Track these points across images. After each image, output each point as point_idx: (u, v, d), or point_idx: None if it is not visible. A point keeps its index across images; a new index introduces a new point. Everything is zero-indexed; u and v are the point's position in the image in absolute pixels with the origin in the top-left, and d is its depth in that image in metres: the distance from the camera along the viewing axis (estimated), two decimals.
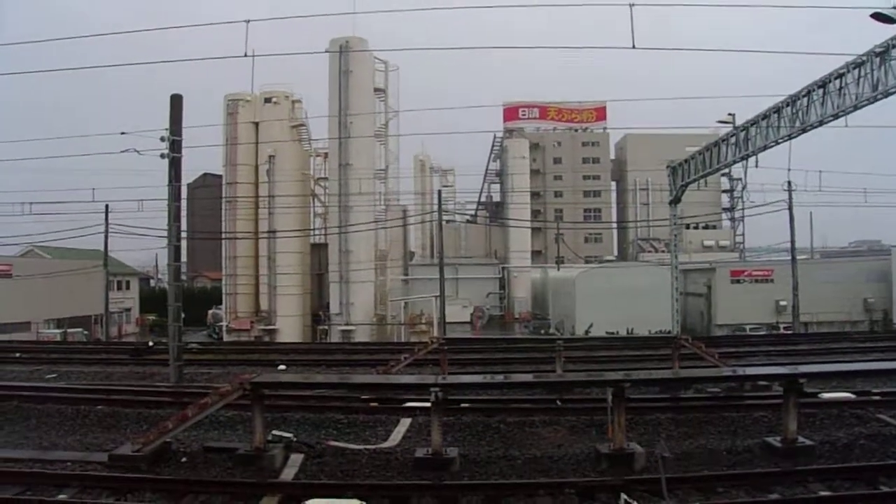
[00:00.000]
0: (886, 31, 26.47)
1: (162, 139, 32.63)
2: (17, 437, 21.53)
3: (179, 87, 33.19)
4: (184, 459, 18.95)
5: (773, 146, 34.76)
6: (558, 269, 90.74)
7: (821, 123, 30.40)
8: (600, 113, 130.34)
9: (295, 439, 20.02)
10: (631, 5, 28.35)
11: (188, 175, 76.29)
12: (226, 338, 74.18)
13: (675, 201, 45.20)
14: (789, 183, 60.33)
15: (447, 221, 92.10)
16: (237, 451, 18.85)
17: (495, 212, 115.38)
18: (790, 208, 61.08)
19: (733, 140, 38.18)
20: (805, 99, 30.88)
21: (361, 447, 20.17)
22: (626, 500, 15.37)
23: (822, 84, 29.67)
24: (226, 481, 17.11)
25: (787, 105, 32.29)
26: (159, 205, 41.20)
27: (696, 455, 18.77)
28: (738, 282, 72.65)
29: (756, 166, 37.67)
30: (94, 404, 25.54)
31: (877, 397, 24.93)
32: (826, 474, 16.75)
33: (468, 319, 79.06)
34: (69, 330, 74.22)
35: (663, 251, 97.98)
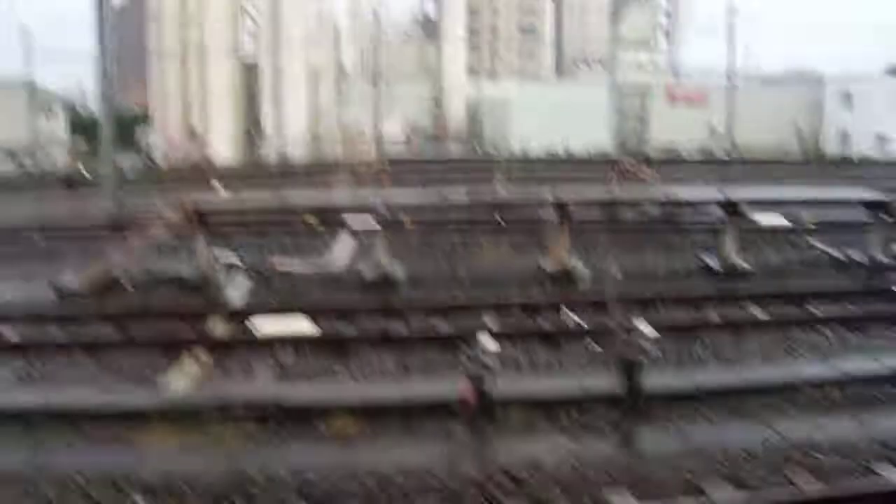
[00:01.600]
0: None
1: None
2: None
3: None
4: (130, 289, 18.92)
5: None
6: (494, 86, 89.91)
7: None
8: None
9: (240, 263, 20.02)
10: None
11: None
12: (160, 163, 72.81)
13: (615, 18, 44.79)
14: (731, 5, 59.86)
15: (382, 39, 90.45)
16: (182, 277, 18.90)
17: (430, 29, 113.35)
18: (731, 30, 60.70)
19: None
20: None
21: (308, 269, 20.24)
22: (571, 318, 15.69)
23: None
24: (174, 309, 17.17)
25: None
26: (82, 27, 39.34)
27: (638, 275, 19.10)
28: (673, 104, 72.72)
29: None
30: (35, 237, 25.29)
31: (811, 226, 25.46)
32: (762, 298, 17.15)
33: (404, 138, 78.60)
34: None
35: (599, 72, 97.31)
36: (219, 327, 15.85)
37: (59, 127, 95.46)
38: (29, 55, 67.30)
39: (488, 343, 10.19)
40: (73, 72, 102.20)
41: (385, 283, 18.23)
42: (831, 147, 69.59)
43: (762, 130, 66.31)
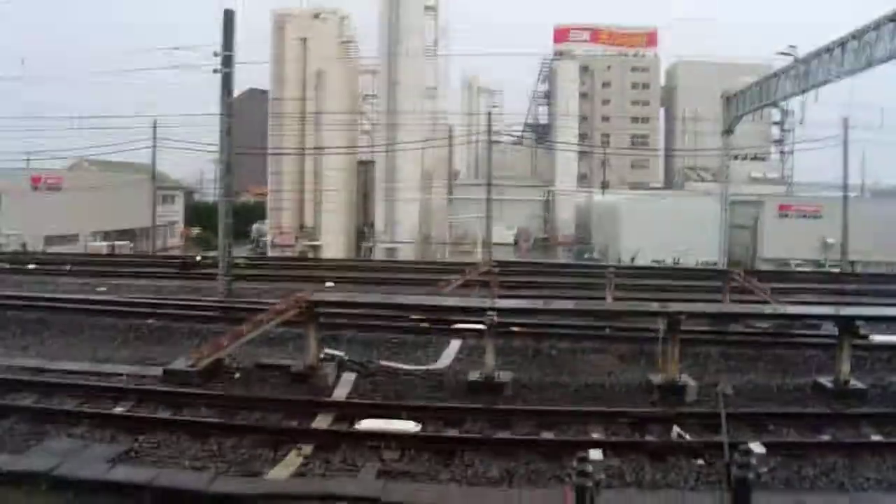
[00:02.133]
0: None
1: (215, 54, 32.66)
2: (73, 350, 22.03)
3: (229, 2, 33.20)
4: (237, 375, 19.38)
5: (834, 80, 34.25)
6: (603, 194, 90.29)
7: (889, 59, 29.79)
8: (651, 38, 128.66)
9: (347, 358, 20.30)
10: None
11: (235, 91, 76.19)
12: (269, 253, 74.71)
13: (728, 132, 44.88)
14: (846, 119, 59.45)
15: (494, 142, 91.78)
16: (290, 368, 19.22)
17: (542, 134, 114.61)
18: (845, 143, 60.25)
19: (792, 72, 37.72)
20: (873, 33, 30.25)
21: (413, 367, 20.46)
22: (678, 433, 15.57)
23: (894, 18, 28.98)
24: (280, 398, 17.50)
25: (854, 38, 31.71)
26: (205, 120, 41.39)
27: (746, 391, 18.85)
28: (785, 216, 72.01)
29: (816, 101, 37.05)
30: (146, 318, 26.02)
31: None
32: (878, 418, 16.77)
33: (512, 241, 79.18)
34: (116, 243, 74.93)
35: (710, 181, 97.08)
36: (323, 420, 16.05)
37: (176, 212, 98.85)
38: (155, 143, 70.14)
39: (595, 454, 10.16)
40: (195, 159, 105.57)
41: (490, 386, 18.24)
42: None
43: (877, 244, 65.03)
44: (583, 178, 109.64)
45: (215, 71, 32.77)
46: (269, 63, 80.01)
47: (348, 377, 19.28)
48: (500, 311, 19.51)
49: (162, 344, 22.80)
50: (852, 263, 60.84)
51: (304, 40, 79.97)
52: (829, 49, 33.85)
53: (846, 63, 32.61)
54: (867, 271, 55.79)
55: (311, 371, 18.87)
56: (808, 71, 36.01)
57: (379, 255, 71.32)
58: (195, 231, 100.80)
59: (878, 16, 29.88)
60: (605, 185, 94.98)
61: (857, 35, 31.51)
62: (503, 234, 75.79)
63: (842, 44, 32.71)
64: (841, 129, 59.97)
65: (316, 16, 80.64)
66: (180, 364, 19.02)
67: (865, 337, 21.64)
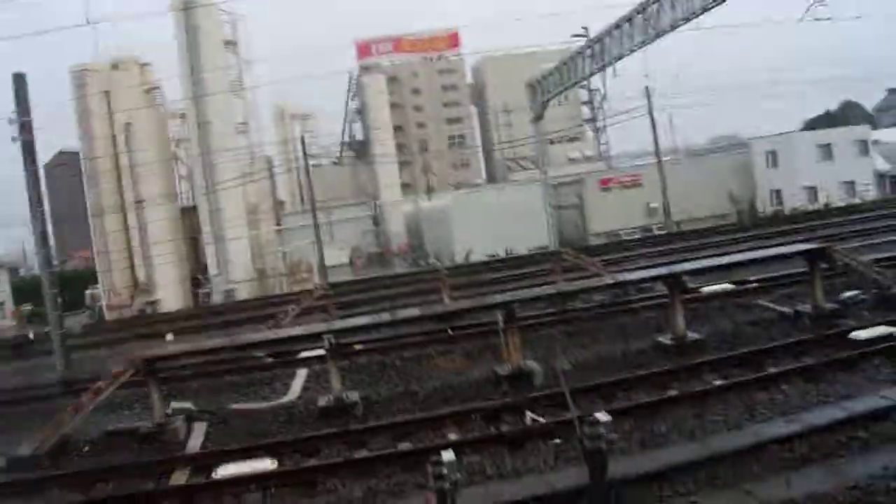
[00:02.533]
0: None
1: (10, 122, 31.16)
2: None
3: (19, 64, 31.76)
4: (86, 449, 18.48)
5: (627, 54, 35.29)
6: (430, 199, 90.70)
7: (672, 28, 30.86)
8: (453, 39, 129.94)
9: (195, 409, 19.73)
10: None
11: (43, 155, 73.84)
12: (107, 317, 72.39)
13: (538, 118, 45.69)
14: (647, 88, 61.29)
15: (313, 166, 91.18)
16: (139, 430, 18.49)
17: (360, 150, 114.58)
18: (650, 112, 62.16)
19: (589, 52, 38.66)
20: (655, 5, 31.28)
21: (263, 405, 20.02)
22: (531, 418, 15.58)
23: None
24: (134, 462, 16.77)
25: (638, 13, 32.71)
26: (16, 190, 39.68)
27: (592, 363, 19.13)
28: (607, 190, 73.75)
29: (615, 75, 38.11)
30: None
31: (754, 285, 25.78)
32: (718, 364, 17.31)
33: (348, 262, 78.81)
34: None
35: (531, 169, 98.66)
36: (180, 476, 15.46)
37: (2, 291, 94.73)
38: None
39: (448, 455, 9.97)
40: (14, 235, 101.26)
41: (341, 409, 17.94)
42: (765, 206, 70.92)
43: (698, 201, 67.42)
44: (407, 187, 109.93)
45: (14, 139, 31.26)
46: (74, 122, 77.61)
47: (200, 427, 18.75)
48: (336, 332, 19.21)
49: (2, 433, 21.40)
50: (678, 224, 62.84)
51: (107, 93, 77.86)
52: (618, 25, 34.81)
53: (636, 36, 33.55)
54: (693, 228, 57.68)
55: (161, 428, 18.25)
56: (603, 48, 36.93)
57: (217, 298, 69.94)
58: (27, 308, 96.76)
59: None
60: (430, 190, 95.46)
61: (640, 9, 32.47)
62: (337, 255, 75.26)
63: (629, 19, 33.68)
64: (644, 99, 61.71)
65: (115, 66, 78.59)
66: (24, 449, 17.97)
67: (695, 290, 22.31)
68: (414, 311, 23.27)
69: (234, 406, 20.26)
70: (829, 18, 25.14)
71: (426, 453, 12.05)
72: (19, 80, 31.48)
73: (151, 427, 18.32)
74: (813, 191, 68.53)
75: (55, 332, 31.37)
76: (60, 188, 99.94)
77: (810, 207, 63.78)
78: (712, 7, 28.47)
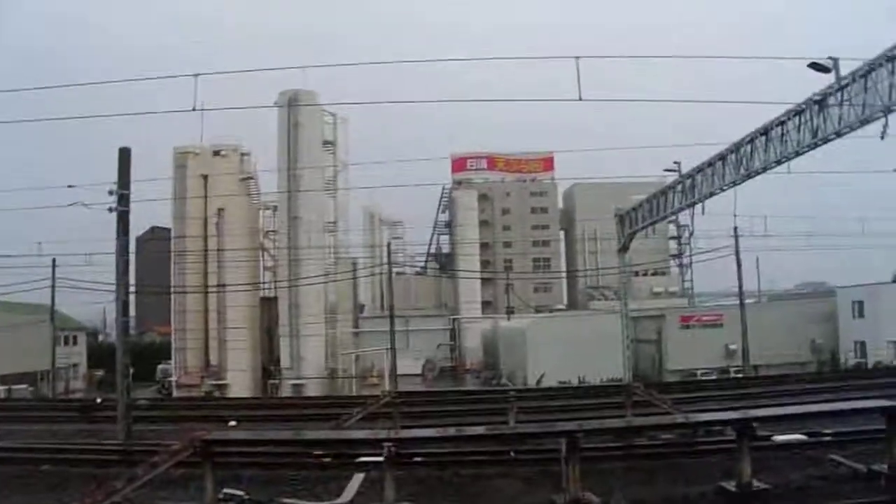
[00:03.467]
0: (823, 80, 27.08)
1: (110, 192, 32.20)
2: None
3: (128, 140, 32.91)
4: None
5: (718, 193, 35.21)
6: (508, 320, 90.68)
7: (764, 170, 30.88)
8: (548, 163, 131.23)
9: (247, 497, 19.67)
10: (577, 58, 28.54)
11: (137, 229, 75.59)
12: (175, 393, 73.22)
13: (624, 249, 45.52)
14: (735, 229, 61.11)
15: (397, 273, 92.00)
16: None
17: (445, 263, 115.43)
18: (737, 253, 61.91)
19: (680, 188, 38.58)
20: (748, 146, 31.36)
21: (314, 503, 19.87)
22: None
23: (765, 131, 30.17)
24: None
25: (732, 152, 32.76)
26: (107, 259, 40.88)
27: (652, 502, 18.69)
28: (687, 327, 73.20)
29: (703, 213, 37.94)
30: (40, 464, 24.92)
31: (828, 438, 25.10)
32: None
33: (419, 372, 78.83)
34: (13, 387, 72.52)
35: (613, 299, 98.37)
36: None
37: (79, 354, 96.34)
38: (54, 283, 68.71)
39: None
40: (98, 300, 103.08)
41: None
42: (848, 356, 69.64)
43: (779, 346, 66.52)
44: (487, 305, 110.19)
45: (111, 209, 32.25)
46: (170, 200, 79.68)
47: None
48: (398, 441, 19.08)
49: (54, 490, 21.72)
50: (756, 367, 61.90)
51: (205, 177, 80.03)
52: (710, 163, 34.83)
53: (727, 175, 33.55)
54: (770, 374, 56.75)
55: None
56: (694, 185, 36.87)
57: (286, 391, 70.36)
58: (99, 374, 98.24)
59: (751, 129, 31.05)
60: (510, 311, 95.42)
61: (733, 149, 32.56)
62: (410, 364, 75.35)
63: (721, 158, 33.73)
64: (731, 238, 61.54)
65: (216, 153, 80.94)
66: None
67: (766, 438, 21.81)
68: (478, 429, 23.09)
69: (286, 500, 20.13)
70: None
71: None
72: (124, 154, 32.74)
73: None
74: None
75: (121, 400, 31.76)
76: (149, 263, 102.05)
77: (895, 363, 62.23)
78: (804, 151, 28.43)
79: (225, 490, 19.60)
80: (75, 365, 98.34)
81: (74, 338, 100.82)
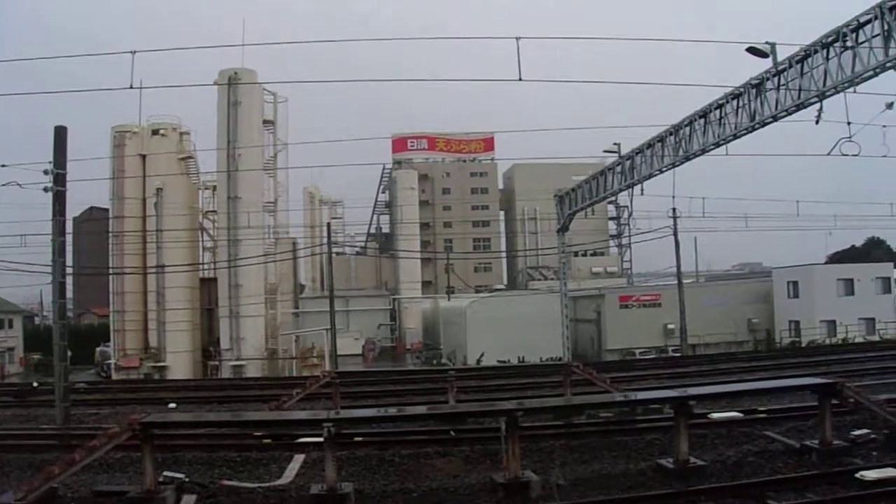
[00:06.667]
0: (760, 65, 27.52)
1: (45, 172, 31.72)
2: None
3: (64, 118, 32.32)
4: None
5: (657, 174, 35.62)
6: (449, 300, 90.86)
7: (703, 152, 31.33)
8: (488, 143, 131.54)
9: (187, 479, 19.54)
10: (517, 38, 28.51)
11: (74, 209, 74.72)
12: (114, 376, 72.40)
13: (563, 229, 45.88)
14: (674, 210, 61.68)
15: (337, 254, 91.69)
16: (127, 493, 18.30)
17: (385, 243, 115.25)
18: (675, 234, 62.50)
19: (619, 169, 38.94)
20: (687, 128, 31.78)
21: (255, 485, 19.80)
22: None
23: (704, 114, 30.61)
24: None
25: (671, 134, 33.17)
26: (44, 240, 40.31)
27: (591, 480, 18.89)
28: (626, 307, 73.85)
29: (641, 194, 38.32)
30: None
31: (763, 415, 25.54)
32: (717, 493, 17.06)
33: (360, 352, 78.70)
34: None
35: (552, 279, 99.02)
36: None
37: (14, 337, 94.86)
38: None
39: None
40: (34, 282, 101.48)
41: (332, 499, 17.73)
42: (783, 335, 70.88)
43: (715, 325, 67.59)
44: (428, 285, 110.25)
45: (46, 189, 31.77)
46: (108, 180, 78.51)
47: (189, 499, 18.52)
48: (338, 421, 19.06)
49: None
50: (693, 346, 62.81)
51: (144, 157, 79.02)
52: (650, 144, 35.22)
53: (666, 157, 33.92)
54: (708, 352, 57.64)
55: (149, 495, 17.95)
56: (633, 166, 37.24)
57: (226, 372, 69.87)
58: (36, 357, 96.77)
59: (690, 112, 31.46)
60: (450, 291, 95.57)
61: (672, 131, 32.93)
62: (351, 344, 75.15)
63: (661, 139, 34.12)
64: (670, 219, 62.11)
65: (155, 132, 79.87)
66: (7, 498, 17.83)
67: (703, 415, 22.13)
68: (419, 409, 23.18)
69: (226, 482, 20.04)
70: (856, 154, 25.30)
71: None
72: (59, 133, 32.17)
73: (140, 492, 18.06)
74: (832, 324, 68.28)
75: (59, 384, 31.35)
76: (86, 244, 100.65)
77: (828, 341, 63.46)
78: (742, 134, 28.87)
79: (165, 473, 19.44)
80: (11, 349, 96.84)
81: (10, 321, 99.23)
